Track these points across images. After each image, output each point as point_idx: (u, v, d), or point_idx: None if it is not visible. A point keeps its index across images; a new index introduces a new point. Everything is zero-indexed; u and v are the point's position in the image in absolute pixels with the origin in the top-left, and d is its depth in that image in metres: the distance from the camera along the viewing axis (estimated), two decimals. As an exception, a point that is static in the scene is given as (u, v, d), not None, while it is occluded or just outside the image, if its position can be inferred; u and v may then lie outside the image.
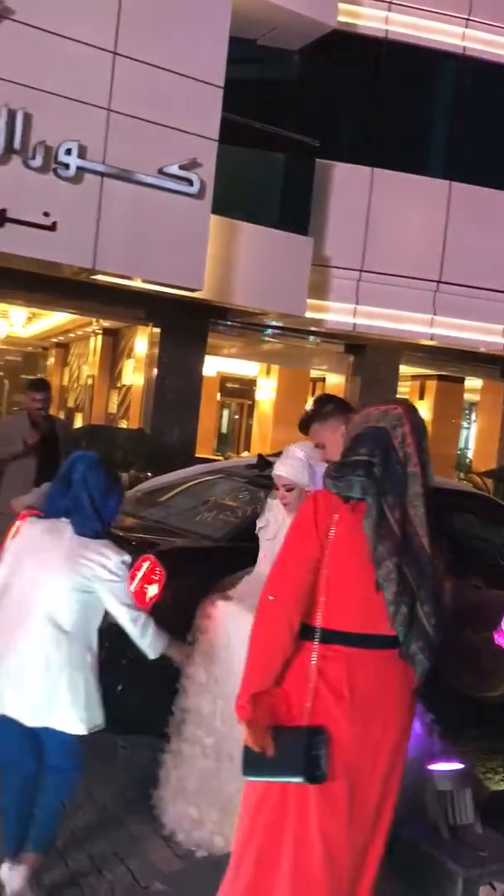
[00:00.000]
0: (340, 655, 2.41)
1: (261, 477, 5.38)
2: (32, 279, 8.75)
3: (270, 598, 2.44)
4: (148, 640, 3.07)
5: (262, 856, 2.41)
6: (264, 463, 5.64)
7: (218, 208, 8.46)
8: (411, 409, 2.59)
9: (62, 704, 2.93)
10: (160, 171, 8.02)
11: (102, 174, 7.79)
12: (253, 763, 2.36)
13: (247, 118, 9.01)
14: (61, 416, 15.25)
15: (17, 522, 5.22)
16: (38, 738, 3.07)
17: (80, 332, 13.92)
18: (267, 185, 9.61)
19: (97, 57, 7.74)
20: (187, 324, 9.92)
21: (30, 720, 2.92)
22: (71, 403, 15.10)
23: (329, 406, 3.40)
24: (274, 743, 2.33)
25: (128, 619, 3.02)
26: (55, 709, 2.92)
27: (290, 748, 2.30)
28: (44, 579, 2.95)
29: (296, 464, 3.70)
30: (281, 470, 3.72)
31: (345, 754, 2.39)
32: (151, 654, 3.11)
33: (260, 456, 5.87)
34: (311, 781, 2.32)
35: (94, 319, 12.15)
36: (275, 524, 3.86)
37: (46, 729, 2.96)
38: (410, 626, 2.41)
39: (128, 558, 3.06)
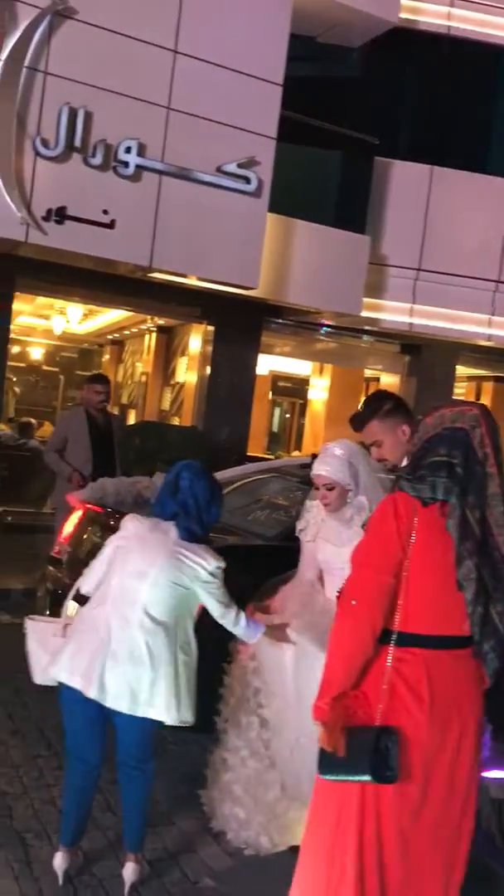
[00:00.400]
0: (418, 658, 2.42)
1: (315, 476, 5.36)
2: (89, 276, 8.84)
3: (353, 602, 2.44)
4: (241, 631, 3.29)
5: (363, 855, 2.41)
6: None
7: (275, 206, 8.45)
8: (486, 411, 2.58)
9: (162, 696, 3.05)
10: (218, 170, 8.03)
11: (161, 172, 7.82)
12: (327, 763, 2.39)
13: (305, 116, 8.98)
14: (115, 412, 15.46)
15: (73, 514, 5.32)
16: (104, 732, 3.15)
17: (134, 330, 14.03)
18: (324, 183, 9.55)
19: (157, 55, 7.78)
20: (241, 322, 9.92)
21: (128, 708, 3.02)
22: (125, 400, 15.24)
23: (389, 404, 3.34)
24: (347, 743, 2.35)
25: (220, 615, 3.21)
26: (152, 698, 3.04)
27: (359, 747, 2.33)
28: (147, 573, 3.09)
29: (335, 462, 3.64)
30: (321, 469, 3.66)
31: (425, 755, 2.38)
32: (248, 640, 3.37)
33: (314, 455, 5.85)
34: (379, 781, 2.34)
35: (148, 317, 12.24)
36: (314, 526, 3.82)
37: (131, 719, 3.05)
38: (484, 625, 2.41)
39: (223, 564, 3.20)
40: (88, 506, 5.17)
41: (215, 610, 3.20)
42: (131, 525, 3.25)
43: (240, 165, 8.09)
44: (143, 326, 13.25)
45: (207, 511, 3.23)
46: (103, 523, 5.00)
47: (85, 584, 3.28)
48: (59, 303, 12.53)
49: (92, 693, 3.01)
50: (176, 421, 11.69)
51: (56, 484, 6.66)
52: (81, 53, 7.46)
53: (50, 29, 7.33)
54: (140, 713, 3.04)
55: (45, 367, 17.58)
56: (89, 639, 3.08)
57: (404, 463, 3.20)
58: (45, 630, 3.40)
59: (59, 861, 3.13)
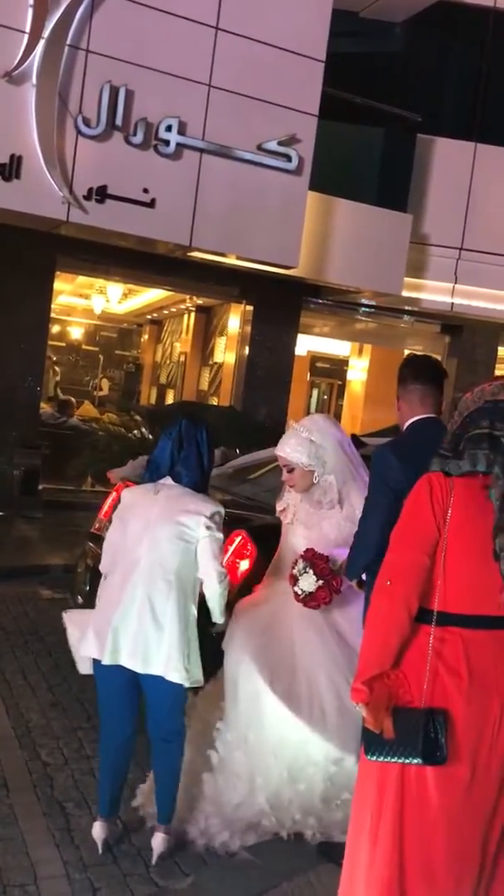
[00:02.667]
0: (457, 637, 2.40)
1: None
2: (129, 255, 8.87)
3: (388, 582, 2.42)
4: (221, 602, 3.24)
5: (391, 836, 2.40)
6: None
7: (316, 184, 8.38)
8: None
9: (173, 654, 3.07)
10: (259, 148, 7.97)
11: (201, 150, 7.80)
12: (373, 744, 2.38)
13: (348, 93, 8.88)
14: (153, 391, 15.52)
15: (113, 493, 5.37)
16: (135, 703, 3.20)
17: (174, 310, 14.04)
18: (366, 161, 9.45)
19: (199, 32, 7.73)
20: (280, 302, 9.90)
21: (142, 667, 3.07)
22: (163, 380, 15.29)
23: (403, 370, 3.29)
24: (393, 724, 2.33)
25: (216, 574, 3.17)
26: (166, 658, 3.06)
27: (408, 730, 2.31)
28: (147, 533, 3.12)
29: (294, 442, 3.56)
30: (279, 449, 3.59)
31: (464, 735, 2.36)
32: (220, 617, 3.30)
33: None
34: (429, 763, 2.32)
35: (187, 297, 12.24)
36: (292, 507, 3.76)
37: (154, 683, 3.09)
38: None
39: (222, 510, 3.21)
40: (128, 484, 5.21)
41: (211, 569, 3.15)
42: (125, 496, 3.31)
43: (281, 143, 8.03)
44: (182, 306, 13.26)
45: (209, 458, 3.27)
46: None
47: (102, 563, 3.34)
48: (99, 282, 12.58)
49: (106, 658, 3.07)
50: (214, 401, 11.70)
51: None
52: (123, 31, 7.43)
53: (92, 6, 7.31)
54: (152, 671, 3.07)
55: (85, 347, 17.68)
56: (104, 609, 3.15)
57: None
58: (82, 619, 3.43)
59: (98, 831, 3.19)
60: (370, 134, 9.47)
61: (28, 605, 6.20)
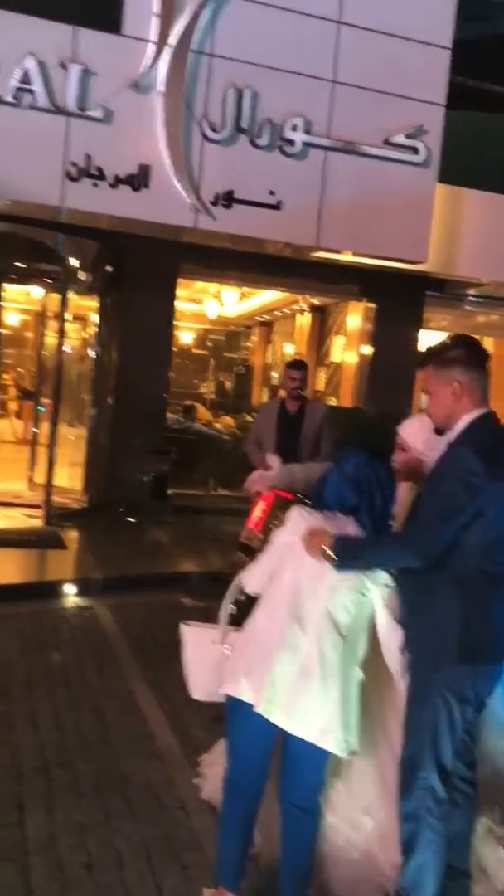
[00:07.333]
0: None
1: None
2: (247, 258, 8.80)
3: None
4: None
5: None
6: None
7: (443, 176, 8.13)
8: None
9: (333, 720, 2.67)
10: (385, 142, 7.79)
11: (327, 148, 7.67)
12: None
13: (476, 80, 8.58)
14: (265, 393, 15.48)
15: (261, 502, 5.25)
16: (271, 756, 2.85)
17: (285, 310, 13.94)
18: (495, 149, 9.11)
19: (321, 27, 7.62)
20: (402, 298, 9.66)
21: (290, 727, 2.68)
22: (275, 382, 15.21)
23: (457, 351, 2.75)
24: None
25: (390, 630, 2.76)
26: (319, 719, 2.67)
27: None
28: (325, 574, 2.71)
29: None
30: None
31: None
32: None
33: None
34: None
35: (300, 297, 12.11)
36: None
37: (301, 742, 2.70)
38: None
39: None
40: (278, 492, 5.10)
41: (385, 622, 2.74)
42: (302, 520, 2.84)
43: (408, 136, 7.83)
44: (295, 307, 13.14)
45: (390, 507, 2.85)
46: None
47: (251, 582, 2.95)
48: (213, 286, 12.59)
49: (261, 707, 2.67)
50: (332, 401, 11.53)
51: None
52: (245, 32, 7.41)
53: (214, 10, 7.27)
54: (300, 733, 2.67)
55: (194, 350, 17.79)
56: (259, 648, 2.74)
57: (458, 429, 2.68)
58: (203, 637, 3.08)
59: None
60: (499, 121, 9.13)
61: (175, 613, 6.18)
